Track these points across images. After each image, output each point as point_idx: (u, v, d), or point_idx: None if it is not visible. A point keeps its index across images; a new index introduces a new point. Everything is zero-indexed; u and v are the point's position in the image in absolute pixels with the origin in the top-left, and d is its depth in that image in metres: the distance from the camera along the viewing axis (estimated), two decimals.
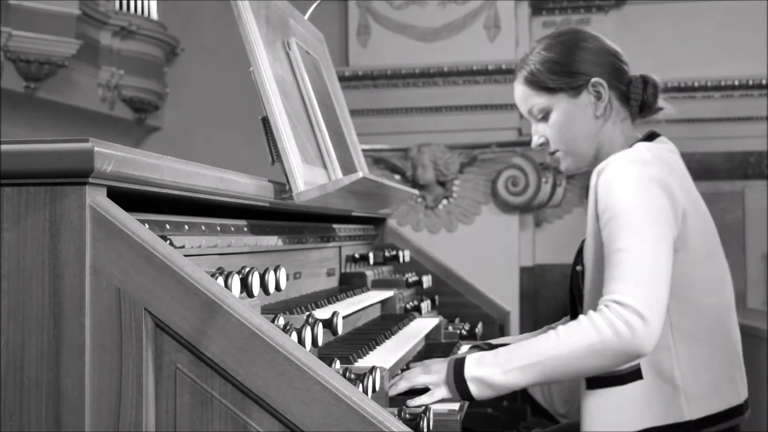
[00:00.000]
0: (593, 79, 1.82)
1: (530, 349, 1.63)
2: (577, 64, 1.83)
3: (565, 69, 1.84)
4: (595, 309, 1.63)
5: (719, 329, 1.77)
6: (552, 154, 1.91)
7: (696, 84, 5.98)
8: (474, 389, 1.65)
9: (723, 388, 1.75)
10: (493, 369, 1.63)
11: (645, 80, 1.87)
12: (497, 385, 1.64)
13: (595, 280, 1.72)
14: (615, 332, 1.56)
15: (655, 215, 1.65)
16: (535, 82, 1.86)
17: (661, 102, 1.88)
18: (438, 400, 1.67)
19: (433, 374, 1.70)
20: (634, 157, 1.71)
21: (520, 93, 1.90)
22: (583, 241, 1.83)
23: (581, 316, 1.64)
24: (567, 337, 1.60)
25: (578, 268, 1.82)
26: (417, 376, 1.71)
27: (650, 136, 1.86)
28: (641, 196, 1.65)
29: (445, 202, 5.17)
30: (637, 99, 1.86)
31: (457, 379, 1.66)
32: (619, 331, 1.56)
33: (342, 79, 4.05)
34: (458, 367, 1.67)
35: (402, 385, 1.71)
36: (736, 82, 6.07)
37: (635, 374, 1.70)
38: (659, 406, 1.69)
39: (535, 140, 1.91)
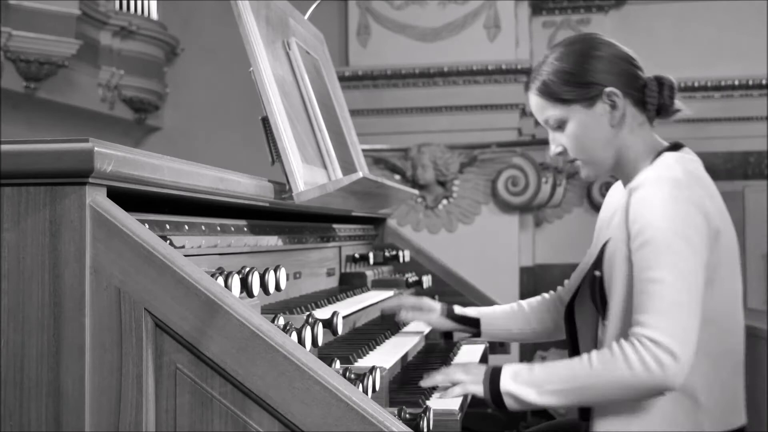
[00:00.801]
0: (607, 89, 1.80)
1: (565, 374, 1.68)
2: (591, 74, 1.81)
3: (578, 80, 1.81)
4: (622, 328, 1.69)
5: (738, 347, 1.80)
6: (571, 162, 1.90)
7: (696, 84, 5.98)
8: (509, 402, 1.72)
9: (739, 406, 1.79)
10: (528, 388, 1.69)
11: (660, 82, 1.84)
12: (531, 404, 1.71)
13: (626, 301, 1.73)
14: (646, 369, 1.61)
15: (690, 243, 1.66)
16: (550, 94, 1.84)
17: (677, 103, 1.86)
18: (471, 393, 1.76)
19: (471, 374, 1.77)
20: (668, 177, 1.70)
21: (535, 103, 1.89)
22: (604, 246, 1.83)
23: (614, 346, 1.66)
24: (601, 369, 1.65)
25: (597, 273, 1.83)
26: (455, 373, 1.79)
27: (674, 146, 1.85)
28: (677, 223, 1.66)
29: (445, 202, 5.17)
30: (654, 102, 1.83)
31: (493, 390, 1.72)
32: (650, 369, 1.61)
33: (342, 79, 4.05)
34: (494, 377, 1.73)
35: (439, 379, 1.80)
36: (736, 82, 6.07)
37: None
38: (681, 421, 1.71)
39: (553, 149, 1.90)
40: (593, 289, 1.84)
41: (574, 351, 1.96)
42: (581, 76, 1.81)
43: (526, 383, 1.70)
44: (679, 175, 1.71)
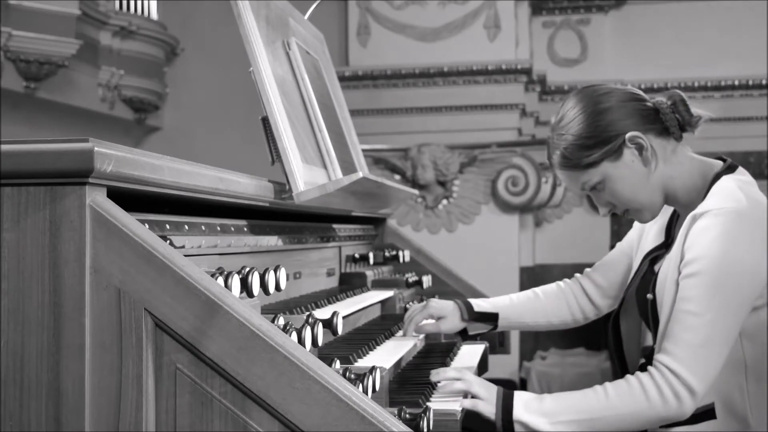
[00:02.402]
0: (627, 135, 1.77)
1: (579, 405, 1.68)
2: (605, 129, 1.78)
3: (596, 140, 1.78)
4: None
5: None
6: (625, 214, 1.87)
7: (696, 84, 5.99)
8: (519, 430, 1.70)
9: None
10: (540, 418, 1.68)
11: (673, 100, 1.82)
12: None
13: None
14: (663, 400, 1.63)
15: (740, 284, 1.65)
16: (574, 165, 1.81)
17: (696, 111, 1.84)
18: (480, 412, 1.73)
19: (487, 392, 1.75)
20: (732, 210, 1.68)
21: (565, 178, 1.87)
22: (656, 271, 1.84)
23: (631, 378, 1.67)
24: (617, 399, 1.66)
25: (649, 296, 1.83)
26: (473, 385, 1.77)
27: (730, 167, 1.83)
28: (732, 261, 1.65)
29: (445, 202, 5.17)
30: (674, 125, 1.81)
31: (505, 416, 1.71)
32: (667, 401, 1.63)
33: (342, 79, 4.05)
34: (507, 403, 1.72)
35: (458, 386, 1.77)
36: (736, 82, 6.07)
37: (709, 413, 1.73)
38: None
39: (603, 212, 1.88)
40: (645, 311, 1.85)
41: (620, 361, 1.97)
42: (598, 136, 1.78)
43: (537, 413, 1.69)
44: (744, 207, 1.69)
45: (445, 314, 2.16)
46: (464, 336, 2.24)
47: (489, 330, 2.21)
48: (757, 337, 1.71)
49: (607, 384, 1.69)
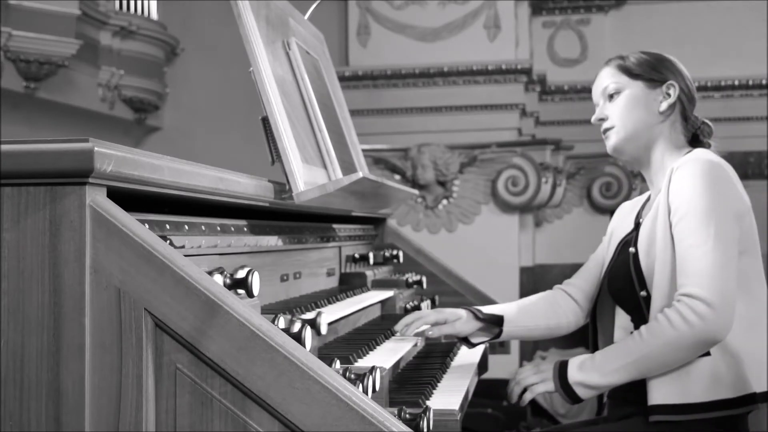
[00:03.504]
0: (670, 81, 2.00)
1: (622, 352, 1.82)
2: (664, 68, 2.02)
3: (651, 65, 2.01)
4: (669, 295, 1.81)
5: (765, 317, 1.89)
6: (605, 132, 2.04)
7: (696, 84, 5.98)
8: (579, 391, 1.84)
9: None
10: (593, 373, 1.83)
11: (704, 121, 2.06)
12: (600, 387, 1.84)
13: (671, 271, 1.84)
14: (687, 324, 1.74)
15: (724, 214, 1.81)
16: (623, 68, 2.02)
17: (707, 141, 2.05)
18: (542, 392, 1.90)
19: (542, 374, 1.92)
20: (705, 159, 1.86)
21: (605, 73, 2.05)
22: (637, 227, 1.99)
23: (659, 315, 1.79)
24: (650, 337, 1.78)
25: (632, 250, 1.95)
26: (528, 378, 1.93)
27: (701, 145, 2.04)
28: (713, 198, 1.81)
29: (445, 202, 5.17)
30: (695, 126, 2.04)
31: (563, 383, 1.86)
32: (690, 322, 1.73)
33: (342, 79, 4.05)
34: (562, 372, 1.86)
35: (527, 397, 1.93)
36: (736, 82, 6.07)
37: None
38: (727, 379, 1.81)
39: (596, 115, 2.05)
40: (628, 265, 1.95)
41: (595, 350, 2.05)
42: (656, 65, 2.02)
43: (590, 369, 1.83)
44: (714, 159, 1.88)
45: (459, 315, 2.19)
46: (468, 345, 2.24)
47: (492, 338, 2.22)
48: (743, 286, 1.82)
49: (642, 327, 1.81)
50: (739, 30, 5.99)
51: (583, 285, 2.20)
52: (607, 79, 2.04)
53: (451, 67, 5.45)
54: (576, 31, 6.55)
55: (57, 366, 1.10)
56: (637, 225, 2.01)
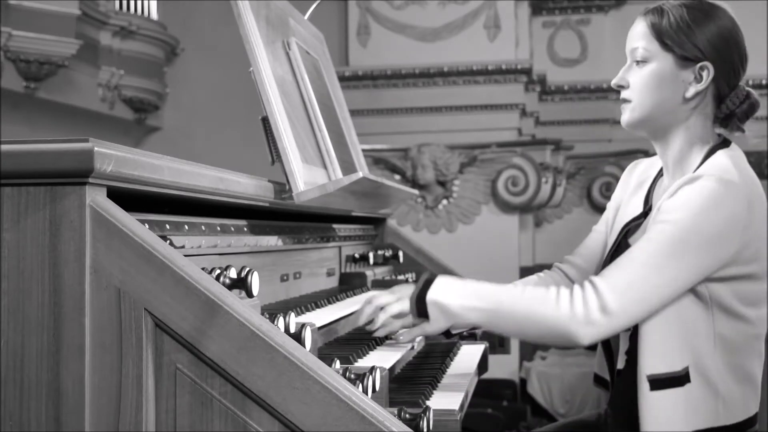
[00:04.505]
0: (703, 63, 1.74)
1: (494, 295, 1.69)
2: (702, 39, 1.74)
3: (688, 37, 1.74)
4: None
5: (756, 342, 1.77)
6: (623, 101, 1.83)
7: None
8: (432, 311, 1.71)
9: (752, 396, 1.77)
10: (454, 298, 1.69)
11: (748, 95, 1.81)
12: (452, 315, 1.70)
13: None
14: (571, 311, 1.61)
15: (705, 244, 1.63)
16: (657, 29, 1.77)
17: (746, 125, 1.83)
18: (396, 311, 1.76)
19: (396, 293, 1.79)
20: (720, 178, 1.66)
21: (639, 29, 1.81)
22: (645, 215, 1.83)
23: (552, 288, 1.67)
24: (529, 299, 1.66)
25: (630, 242, 1.82)
26: (381, 297, 1.80)
27: (725, 142, 1.83)
28: (706, 220, 1.62)
29: (445, 202, 5.17)
30: (730, 108, 1.79)
31: (420, 297, 1.72)
32: (574, 311, 1.61)
33: (342, 79, 4.05)
34: (426, 285, 1.73)
35: (366, 311, 1.80)
36: None
37: (685, 378, 1.70)
38: (703, 410, 1.70)
39: (616, 79, 1.82)
40: None
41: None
42: (693, 35, 1.74)
43: (454, 293, 1.70)
44: (736, 180, 1.68)
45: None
46: (447, 335, 2.19)
47: (472, 329, 2.12)
48: (729, 309, 1.69)
49: (530, 286, 1.71)
50: None
51: (581, 263, 2.07)
52: (637, 39, 1.79)
53: (451, 67, 5.45)
54: (576, 31, 6.55)
55: (57, 366, 1.10)
56: (646, 213, 1.84)
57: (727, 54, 1.77)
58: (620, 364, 1.84)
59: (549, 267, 2.15)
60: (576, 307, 1.61)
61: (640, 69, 1.78)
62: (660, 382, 1.71)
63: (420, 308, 1.72)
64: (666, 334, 1.68)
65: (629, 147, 5.52)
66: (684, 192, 1.66)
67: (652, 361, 1.69)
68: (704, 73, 1.74)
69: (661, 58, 1.76)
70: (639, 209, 1.88)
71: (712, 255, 1.64)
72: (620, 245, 1.86)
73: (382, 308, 1.79)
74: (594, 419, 2.07)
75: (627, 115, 1.81)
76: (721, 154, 1.77)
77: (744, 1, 6.38)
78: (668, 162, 1.83)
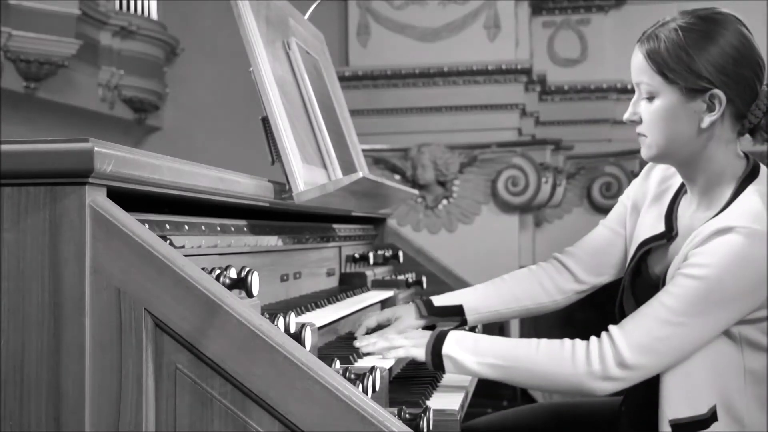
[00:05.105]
0: (713, 91, 1.61)
1: (508, 351, 1.71)
2: (705, 65, 1.61)
3: (689, 65, 1.62)
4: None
5: None
6: (639, 134, 1.73)
7: None
8: (448, 366, 1.74)
9: None
10: (469, 355, 1.72)
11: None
12: (468, 371, 1.73)
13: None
14: (587, 366, 1.62)
15: (732, 301, 1.58)
16: (655, 62, 1.65)
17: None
18: (412, 356, 1.78)
19: (411, 339, 1.80)
20: (757, 232, 1.57)
21: (638, 62, 1.69)
22: (665, 236, 1.77)
23: (566, 341, 1.67)
24: (543, 357, 1.67)
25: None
26: (396, 338, 1.81)
27: (754, 169, 1.70)
28: (734, 278, 1.56)
29: (445, 202, 5.17)
30: (754, 122, 1.67)
31: (434, 352, 1.74)
32: (591, 365, 1.61)
33: (342, 79, 4.05)
34: (439, 340, 1.75)
35: (380, 345, 1.80)
36: None
37: (713, 417, 1.66)
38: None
39: (628, 114, 1.72)
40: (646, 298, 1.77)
41: None
42: (694, 62, 1.61)
43: (468, 350, 1.72)
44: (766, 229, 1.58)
45: (399, 314, 2.06)
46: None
47: (458, 325, 2.10)
48: (757, 344, 1.65)
49: (543, 340, 1.69)
50: None
51: (583, 255, 2.02)
52: (639, 73, 1.68)
53: (451, 67, 5.45)
54: (576, 31, 6.55)
55: (57, 366, 1.10)
56: (668, 235, 1.76)
57: (737, 74, 1.62)
58: None
59: None
60: (593, 363, 1.61)
61: (650, 104, 1.68)
62: (684, 427, 1.66)
63: (436, 362, 1.75)
64: (691, 378, 1.64)
65: (629, 147, 5.52)
66: (713, 246, 1.58)
67: (676, 406, 1.65)
68: (716, 101, 1.62)
69: (668, 92, 1.65)
70: (660, 226, 1.80)
71: (738, 310, 1.60)
72: (639, 267, 1.81)
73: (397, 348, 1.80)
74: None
75: (645, 151, 1.73)
76: (752, 192, 1.65)
77: (744, 1, 6.38)
78: (695, 191, 1.75)
